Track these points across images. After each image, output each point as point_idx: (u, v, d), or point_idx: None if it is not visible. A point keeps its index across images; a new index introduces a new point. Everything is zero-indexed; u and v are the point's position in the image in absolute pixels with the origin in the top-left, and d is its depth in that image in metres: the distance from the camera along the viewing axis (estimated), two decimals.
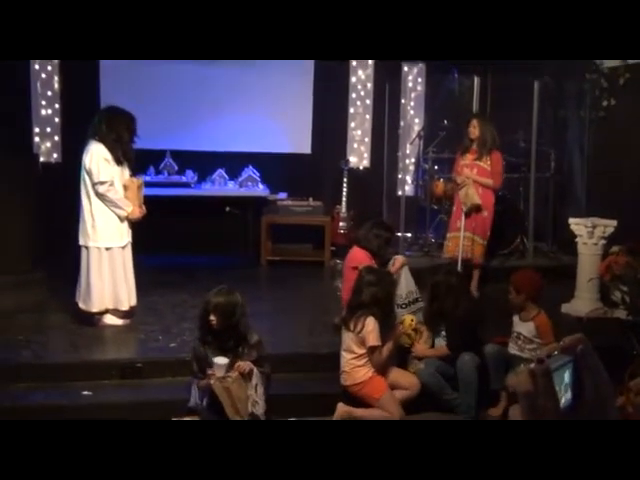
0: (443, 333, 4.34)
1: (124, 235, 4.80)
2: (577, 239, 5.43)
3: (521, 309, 4.29)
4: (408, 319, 4.44)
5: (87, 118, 4.93)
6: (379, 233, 4.70)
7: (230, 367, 3.72)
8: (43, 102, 6.92)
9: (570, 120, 7.07)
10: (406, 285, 4.69)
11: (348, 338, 4.10)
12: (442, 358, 4.24)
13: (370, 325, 4.02)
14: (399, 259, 4.77)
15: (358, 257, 4.66)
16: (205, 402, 3.71)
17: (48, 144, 6.98)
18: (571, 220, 5.50)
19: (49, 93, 6.93)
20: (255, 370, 3.74)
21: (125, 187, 4.77)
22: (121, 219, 4.75)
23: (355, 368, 4.06)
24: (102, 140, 4.68)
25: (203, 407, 3.72)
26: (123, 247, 4.80)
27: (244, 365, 3.71)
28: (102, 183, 4.64)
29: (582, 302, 5.38)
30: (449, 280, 4.38)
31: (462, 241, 5.60)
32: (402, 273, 4.69)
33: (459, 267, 5.46)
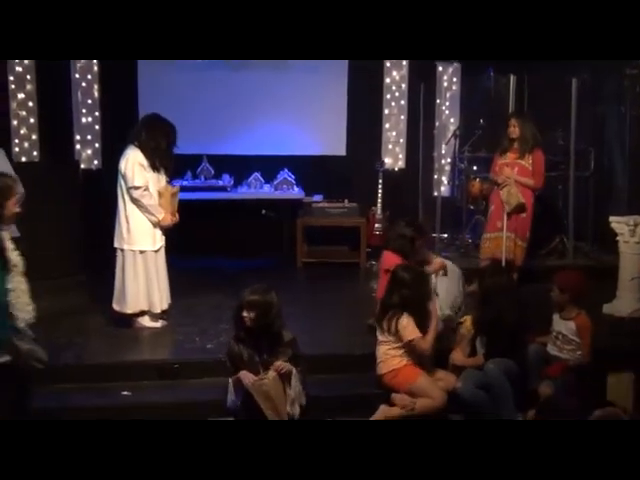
0: (483, 339, 4.23)
1: (158, 239, 4.86)
2: (618, 238, 5.31)
3: (562, 308, 4.23)
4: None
5: (126, 125, 5.04)
6: (403, 232, 4.65)
7: (267, 367, 3.73)
8: (84, 110, 7.07)
9: (610, 117, 6.93)
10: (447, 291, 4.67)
11: (382, 334, 4.09)
12: (479, 367, 4.14)
13: (403, 321, 3.99)
14: (438, 261, 4.74)
15: (389, 260, 4.62)
16: (239, 403, 3.74)
17: (89, 151, 7.14)
18: (612, 218, 5.37)
19: (89, 101, 7.09)
20: (294, 371, 3.75)
21: (160, 194, 4.83)
22: (154, 224, 4.81)
23: (390, 357, 4.03)
24: (140, 146, 4.76)
25: (239, 408, 3.74)
26: (156, 251, 4.86)
27: (282, 365, 3.72)
28: (136, 188, 4.71)
29: (624, 302, 5.25)
30: (499, 281, 4.28)
31: (505, 241, 5.50)
32: (439, 277, 4.67)
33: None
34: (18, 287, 3.30)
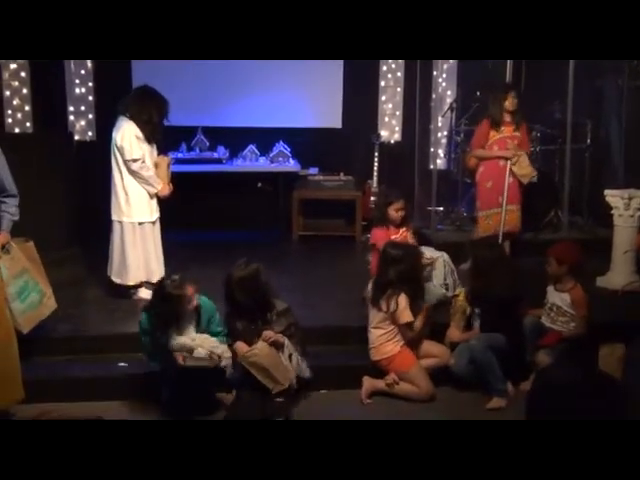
0: (477, 311, 4.27)
1: (154, 210, 4.90)
2: (613, 211, 5.33)
3: (558, 280, 4.25)
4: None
5: (120, 96, 4.98)
6: (374, 203, 4.73)
7: (257, 335, 3.77)
8: (77, 81, 7.00)
9: (607, 90, 6.89)
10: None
11: (377, 316, 4.10)
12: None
13: (402, 303, 4.01)
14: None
15: (375, 235, 4.71)
16: (236, 376, 3.76)
17: (83, 122, 7.08)
18: (607, 191, 5.38)
19: (82, 72, 7.00)
20: (286, 341, 3.78)
21: (156, 165, 4.85)
22: (151, 195, 4.84)
23: (384, 343, 4.07)
24: (133, 118, 4.73)
25: (239, 380, 3.77)
26: (154, 222, 4.90)
27: (269, 334, 3.75)
28: (135, 160, 4.71)
29: (617, 275, 5.29)
30: (491, 253, 4.31)
31: (504, 215, 5.47)
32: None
33: (500, 241, 5.41)
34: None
